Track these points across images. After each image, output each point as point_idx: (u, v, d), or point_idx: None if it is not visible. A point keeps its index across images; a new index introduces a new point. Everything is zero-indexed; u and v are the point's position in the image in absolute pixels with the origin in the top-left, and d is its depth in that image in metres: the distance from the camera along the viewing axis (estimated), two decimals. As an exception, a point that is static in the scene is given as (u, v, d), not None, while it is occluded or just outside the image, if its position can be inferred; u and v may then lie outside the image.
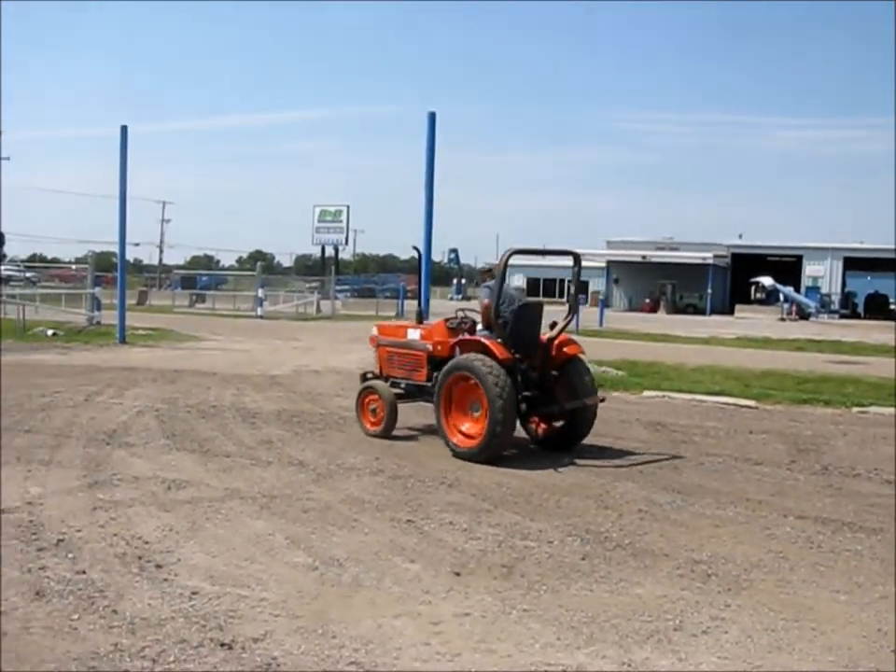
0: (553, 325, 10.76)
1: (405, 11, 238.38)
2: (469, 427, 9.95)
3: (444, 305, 60.64)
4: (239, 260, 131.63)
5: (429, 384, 10.69)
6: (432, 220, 20.73)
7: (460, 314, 11.18)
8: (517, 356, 10.06)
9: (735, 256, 68.82)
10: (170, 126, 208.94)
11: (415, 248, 13.11)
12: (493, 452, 9.62)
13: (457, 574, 6.08)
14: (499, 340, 10.04)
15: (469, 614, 5.37)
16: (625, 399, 15.45)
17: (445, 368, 10.13)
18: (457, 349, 10.35)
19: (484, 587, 5.84)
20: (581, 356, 10.54)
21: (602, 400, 10.72)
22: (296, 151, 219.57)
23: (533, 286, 79.53)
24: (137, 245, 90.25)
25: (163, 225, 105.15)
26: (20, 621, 5.05)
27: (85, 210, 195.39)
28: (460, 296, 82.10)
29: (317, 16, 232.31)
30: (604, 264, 70.37)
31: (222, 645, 4.80)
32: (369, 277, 70.68)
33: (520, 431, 10.38)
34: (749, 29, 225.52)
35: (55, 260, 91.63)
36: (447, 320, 11.11)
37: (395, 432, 11.10)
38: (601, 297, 53.56)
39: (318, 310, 45.82)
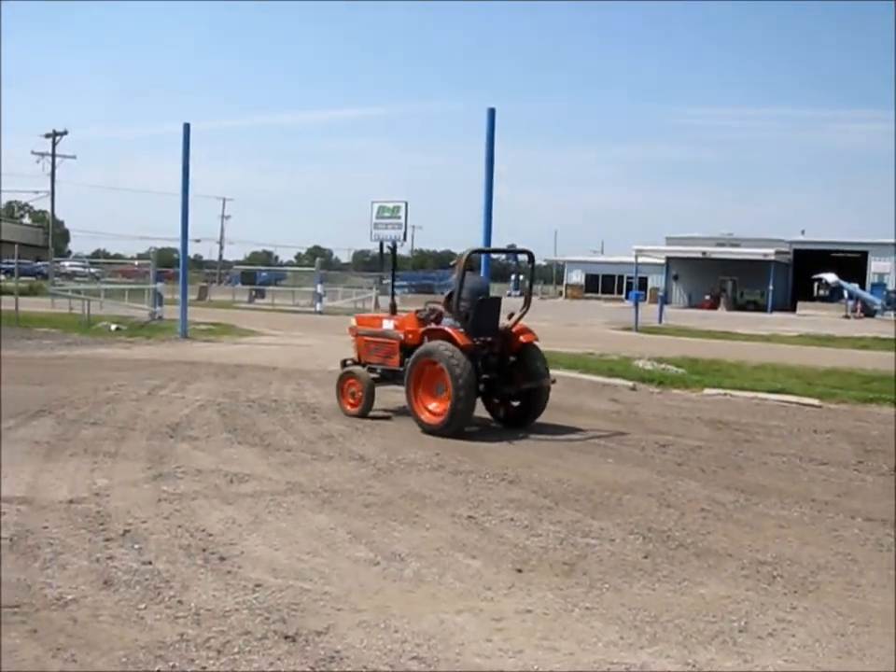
0: (510, 315, 11.84)
1: (464, 9, 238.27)
2: (436, 406, 11.09)
3: (503, 302, 60.70)
4: (297, 256, 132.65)
5: (401, 368, 11.81)
6: (491, 216, 20.72)
7: (429, 306, 12.36)
8: (478, 342, 11.20)
9: (797, 252, 67.76)
10: (230, 123, 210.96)
11: (390, 246, 14.82)
12: (455, 427, 10.77)
13: (519, 571, 6.06)
14: (461, 329, 11.13)
15: (530, 611, 5.35)
16: (686, 397, 15.32)
17: (414, 354, 11.35)
18: (425, 337, 11.50)
19: (546, 584, 5.82)
20: (536, 342, 11.69)
21: (553, 382, 11.87)
22: (355, 147, 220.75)
23: (592, 282, 79.18)
24: (198, 241, 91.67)
25: (223, 221, 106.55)
26: (89, 608, 5.14)
27: (147, 207, 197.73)
28: (518, 292, 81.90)
29: (377, 13, 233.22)
30: (663, 261, 69.80)
31: (286, 637, 4.84)
32: (427, 273, 70.80)
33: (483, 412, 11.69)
34: (809, 23, 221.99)
35: (118, 256, 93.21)
36: (417, 311, 12.31)
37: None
38: (660, 293, 53.03)
39: (377, 305, 45.97)
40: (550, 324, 36.67)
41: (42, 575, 5.67)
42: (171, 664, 4.49)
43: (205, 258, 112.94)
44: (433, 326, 11.65)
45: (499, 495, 8.05)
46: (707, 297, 65.75)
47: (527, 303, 12.08)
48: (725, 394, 15.46)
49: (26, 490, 7.71)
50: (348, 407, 12.17)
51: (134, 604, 5.24)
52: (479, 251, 13.06)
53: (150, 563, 5.94)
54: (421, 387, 11.24)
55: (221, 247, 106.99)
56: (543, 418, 12.07)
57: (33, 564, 5.88)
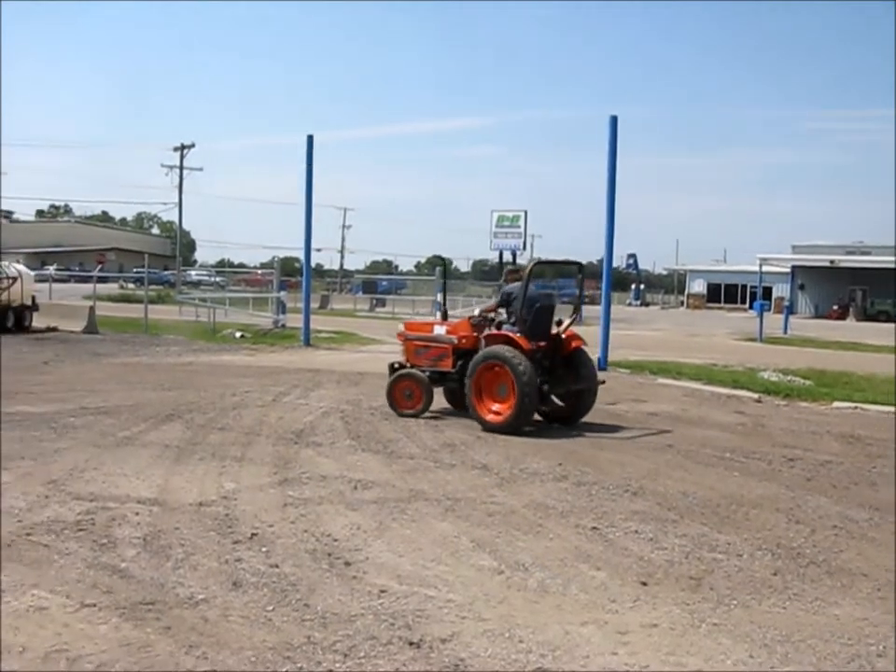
0: (558, 322, 12.62)
1: (584, 13, 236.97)
2: (498, 406, 11.72)
3: (624, 311, 60.17)
4: (417, 265, 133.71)
5: (453, 371, 12.62)
6: (613, 224, 20.61)
7: (481, 313, 13.08)
8: (534, 346, 11.89)
9: (932, 261, 65.22)
10: (351, 134, 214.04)
11: (440, 258, 15.77)
12: (519, 425, 11.48)
13: (644, 584, 5.98)
14: (521, 334, 11.84)
15: (656, 625, 5.27)
16: (814, 410, 14.91)
17: (477, 357, 11.98)
18: (482, 341, 12.33)
19: (672, 598, 5.72)
20: (584, 347, 12.47)
21: (603, 382, 12.68)
22: (475, 156, 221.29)
23: (714, 291, 77.73)
24: (319, 250, 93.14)
25: (344, 231, 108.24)
26: (219, 608, 5.27)
27: (269, 217, 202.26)
28: (639, 301, 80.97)
29: (497, 21, 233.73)
30: (788, 270, 68.10)
31: (411, 644, 4.86)
32: (546, 282, 70.49)
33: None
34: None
35: (242, 266, 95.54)
36: (470, 318, 13.12)
37: (581, 438, 11.37)
38: (786, 303, 51.80)
39: (496, 315, 45.96)
40: (670, 334, 36.25)
41: (174, 574, 5.83)
42: (298, 665, 4.57)
43: (326, 267, 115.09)
44: (494, 331, 12.31)
45: (623, 506, 7.95)
46: (835, 307, 63.85)
47: (577, 311, 13.00)
48: (855, 407, 15.00)
49: (158, 492, 7.94)
50: (404, 408, 12.59)
51: (262, 605, 5.34)
52: (540, 262, 14.89)
53: (277, 566, 6.05)
54: (483, 389, 11.85)
55: (342, 257, 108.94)
56: (668, 429, 11.91)
57: (165, 563, 6.05)
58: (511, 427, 11.41)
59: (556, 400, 12.44)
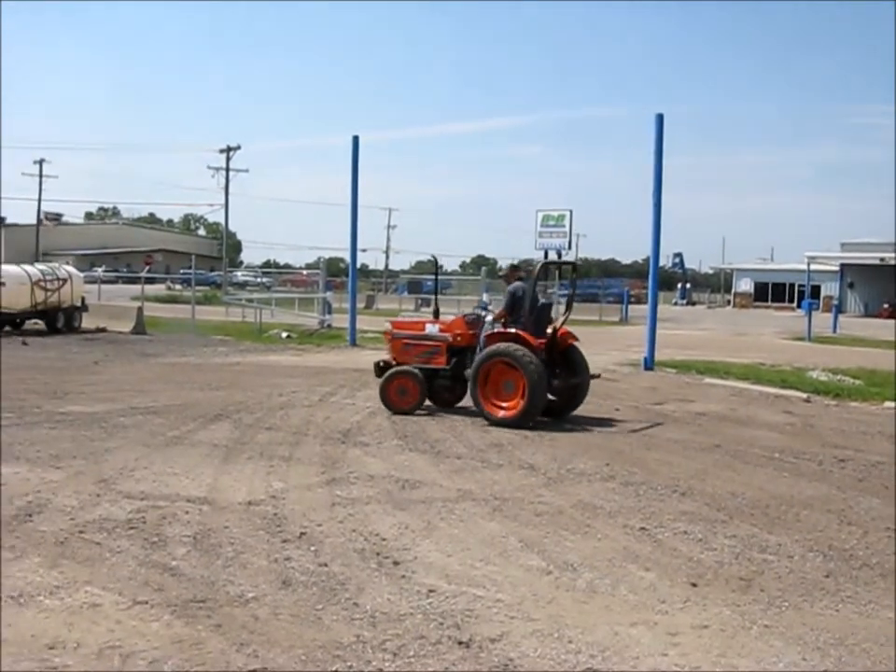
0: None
1: (629, 11, 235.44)
2: (502, 401, 12.01)
3: (670, 311, 59.70)
4: (462, 265, 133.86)
5: (448, 367, 12.88)
6: (660, 223, 20.45)
7: (476, 311, 13.64)
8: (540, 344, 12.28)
9: None
10: (396, 134, 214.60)
11: (432, 257, 16.74)
12: (529, 419, 11.80)
13: (694, 585, 5.93)
14: (527, 331, 12.20)
15: (707, 626, 5.23)
16: (864, 410, 14.73)
17: (485, 353, 12.17)
18: (482, 339, 12.54)
19: (722, 599, 5.67)
20: (577, 343, 12.78)
21: (598, 376, 13.29)
22: (519, 155, 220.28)
23: (761, 290, 76.96)
24: (364, 250, 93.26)
25: (389, 231, 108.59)
26: (269, 607, 5.30)
27: (315, 217, 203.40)
28: (685, 301, 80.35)
29: (540, 20, 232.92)
30: (837, 268, 67.22)
31: (460, 643, 4.86)
32: (591, 282, 70.28)
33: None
34: None
35: (287, 266, 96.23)
36: (465, 316, 13.64)
37: (628, 437, 11.36)
38: (834, 302, 51.18)
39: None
40: (717, 333, 35.95)
41: (224, 573, 5.88)
42: (348, 664, 4.58)
43: (371, 267, 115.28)
44: (501, 329, 12.48)
45: (672, 507, 7.89)
46: (886, 305, 62.73)
47: (569, 309, 13.30)
48: (908, 407, 14.77)
49: (207, 491, 8.01)
50: (399, 405, 12.66)
51: (312, 604, 5.37)
52: (547, 263, 14.94)
53: (326, 565, 6.08)
54: (488, 384, 12.08)
55: (387, 257, 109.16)
56: (715, 429, 11.82)
57: (215, 561, 6.10)
58: (522, 422, 11.73)
59: (549, 395, 12.56)
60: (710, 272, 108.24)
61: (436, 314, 13.87)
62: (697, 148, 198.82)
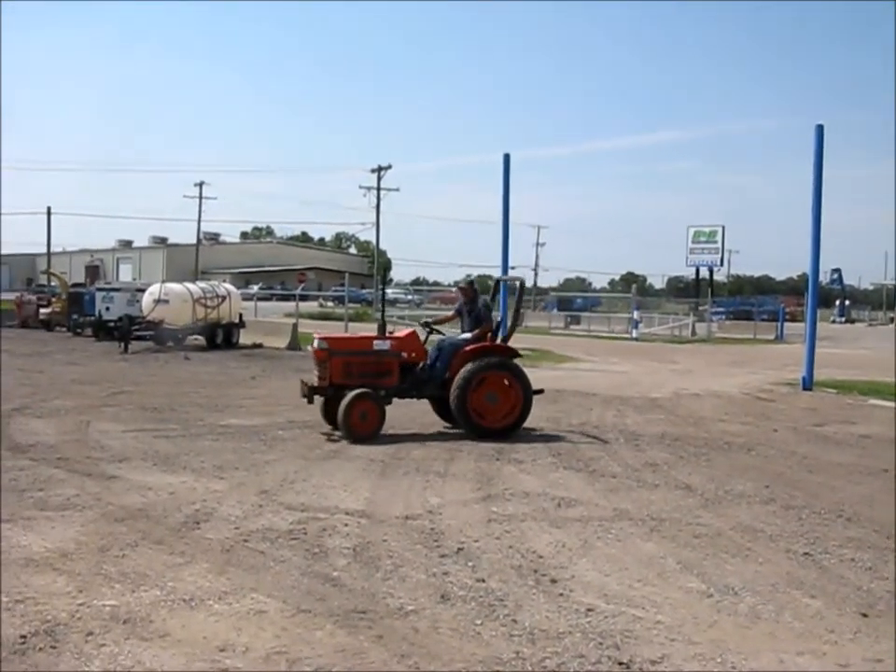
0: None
1: (784, 22, 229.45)
2: (487, 412, 12.09)
3: (828, 328, 57.69)
4: (611, 282, 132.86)
5: (403, 385, 12.40)
6: (819, 238, 19.78)
7: (426, 328, 13.33)
8: None
9: None
10: (545, 152, 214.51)
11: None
12: (518, 430, 12.15)
13: (864, 615, 5.69)
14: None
15: (881, 660, 5.00)
16: None
17: (479, 365, 12.03)
18: (472, 353, 12.20)
19: (896, 632, 5.44)
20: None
21: (541, 392, 12.84)
22: (670, 171, 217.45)
23: None
24: (513, 268, 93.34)
25: (538, 248, 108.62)
26: (428, 620, 5.36)
27: (463, 235, 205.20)
28: (843, 318, 77.64)
29: (694, 32, 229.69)
30: None
31: (620, 664, 4.82)
32: (744, 299, 68.70)
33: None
34: None
35: (436, 283, 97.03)
36: (413, 331, 13.22)
37: (788, 460, 11.03)
38: None
39: (693, 332, 45.09)
40: (879, 352, 34.53)
41: (384, 585, 5.98)
42: (508, 680, 4.59)
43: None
44: (490, 342, 12.62)
45: (837, 532, 7.62)
46: None
47: (515, 322, 13.41)
48: None
49: (365, 505, 8.16)
50: (359, 430, 11.55)
51: (471, 619, 5.40)
52: (498, 279, 15.67)
53: (484, 581, 6.11)
54: (472, 395, 11.95)
55: (536, 274, 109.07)
56: (881, 452, 11.38)
57: (375, 574, 6.21)
58: (512, 432, 12.03)
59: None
60: (871, 287, 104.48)
61: (382, 329, 12.76)
62: (858, 159, 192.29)
